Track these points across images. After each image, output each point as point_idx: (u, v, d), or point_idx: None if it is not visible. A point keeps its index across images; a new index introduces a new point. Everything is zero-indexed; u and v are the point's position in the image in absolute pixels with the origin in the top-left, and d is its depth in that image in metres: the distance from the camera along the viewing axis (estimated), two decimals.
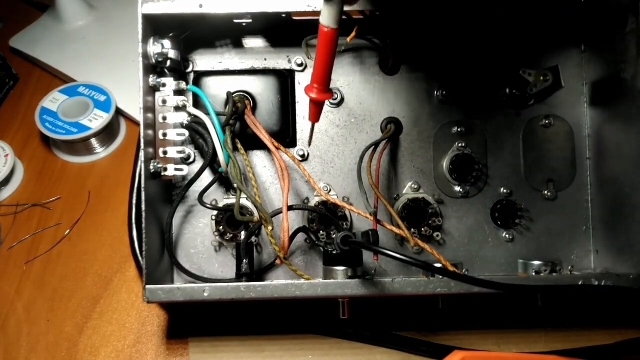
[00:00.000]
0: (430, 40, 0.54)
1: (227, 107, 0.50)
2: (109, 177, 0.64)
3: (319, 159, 0.54)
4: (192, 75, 0.54)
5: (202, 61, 0.54)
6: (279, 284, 0.45)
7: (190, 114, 0.50)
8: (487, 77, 0.55)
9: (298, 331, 0.54)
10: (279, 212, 0.49)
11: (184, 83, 0.50)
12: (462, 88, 0.54)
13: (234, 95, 0.51)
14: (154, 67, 0.50)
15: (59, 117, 0.65)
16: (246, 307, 0.54)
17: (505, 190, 0.54)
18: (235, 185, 0.48)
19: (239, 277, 0.49)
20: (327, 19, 0.35)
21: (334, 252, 0.46)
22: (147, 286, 0.45)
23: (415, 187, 0.54)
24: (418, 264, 0.39)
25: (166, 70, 0.50)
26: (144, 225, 0.47)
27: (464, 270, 0.51)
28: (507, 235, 0.54)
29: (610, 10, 0.49)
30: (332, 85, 0.54)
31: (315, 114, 0.41)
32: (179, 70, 0.52)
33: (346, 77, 0.54)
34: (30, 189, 0.64)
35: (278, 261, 0.50)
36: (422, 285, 0.45)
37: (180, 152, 0.50)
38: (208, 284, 0.45)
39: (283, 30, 0.53)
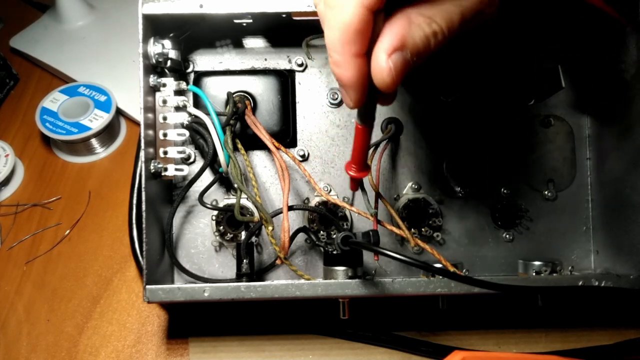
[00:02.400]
0: None
1: (228, 107, 0.50)
2: (109, 177, 0.65)
3: (319, 159, 0.54)
4: (192, 75, 0.54)
5: (203, 61, 0.54)
6: (279, 284, 0.45)
7: (190, 114, 0.50)
8: (487, 77, 0.55)
9: (298, 331, 0.54)
10: (279, 212, 0.49)
11: (184, 83, 0.50)
12: (462, 88, 0.54)
13: (234, 95, 0.51)
14: (154, 67, 0.50)
15: (59, 117, 0.65)
16: (246, 307, 0.54)
17: (505, 190, 0.54)
18: (236, 185, 0.48)
19: (239, 277, 0.49)
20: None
21: (334, 252, 0.46)
22: (147, 286, 0.45)
23: (416, 187, 0.54)
24: (418, 264, 0.38)
25: (166, 70, 0.50)
26: (144, 225, 0.47)
27: (464, 271, 0.51)
28: (507, 235, 0.54)
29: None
30: (331, 86, 0.54)
31: (354, 186, 0.45)
32: (179, 70, 0.52)
33: None
34: (30, 189, 0.64)
35: (278, 261, 0.50)
36: (422, 285, 0.45)
37: (180, 152, 0.50)
38: (208, 284, 0.45)
39: (283, 30, 0.53)
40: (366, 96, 0.33)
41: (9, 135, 0.69)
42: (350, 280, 0.45)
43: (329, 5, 0.30)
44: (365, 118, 0.36)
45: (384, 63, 0.30)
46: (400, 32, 0.31)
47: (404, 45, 0.31)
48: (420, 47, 0.31)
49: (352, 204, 0.53)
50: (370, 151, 0.51)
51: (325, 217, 0.52)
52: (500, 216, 0.54)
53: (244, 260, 0.49)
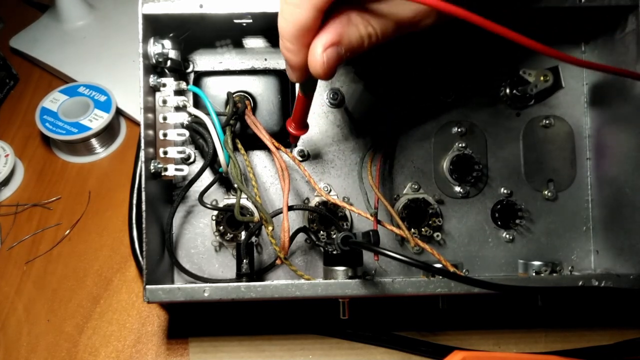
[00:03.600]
0: (430, 40, 0.54)
1: (227, 107, 0.50)
2: (109, 177, 0.65)
3: (319, 159, 0.54)
4: (192, 75, 0.54)
5: (202, 61, 0.54)
6: (279, 284, 0.45)
7: (190, 114, 0.50)
8: (487, 77, 0.55)
9: (298, 331, 0.54)
10: (279, 212, 0.49)
11: (184, 83, 0.50)
12: (462, 88, 0.54)
13: (234, 95, 0.51)
14: (154, 67, 0.50)
15: (59, 117, 0.65)
16: (246, 307, 0.54)
17: (505, 191, 0.54)
18: (236, 185, 0.48)
19: (239, 277, 0.49)
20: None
21: (334, 252, 0.46)
22: (147, 286, 0.45)
23: (415, 187, 0.54)
24: (418, 264, 0.38)
25: (166, 70, 0.50)
26: (144, 225, 0.47)
27: (464, 271, 0.51)
28: (507, 236, 0.54)
29: (610, 10, 0.49)
30: (332, 86, 0.54)
31: (293, 140, 0.51)
32: (179, 70, 0.52)
33: (346, 76, 0.54)
34: (30, 189, 0.64)
35: (278, 261, 0.50)
36: (422, 285, 0.45)
37: (180, 152, 0.50)
38: (208, 284, 0.45)
39: None
40: (308, 75, 0.37)
41: (9, 135, 0.69)
42: (350, 280, 0.45)
43: (285, 0, 0.34)
44: (306, 90, 0.42)
45: (318, 56, 0.34)
46: (339, 30, 0.34)
47: (340, 42, 0.34)
48: (355, 45, 0.35)
49: (351, 204, 0.53)
50: (370, 151, 0.51)
51: (325, 217, 0.52)
52: (500, 216, 0.54)
53: (244, 260, 0.49)
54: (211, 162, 0.49)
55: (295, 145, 0.54)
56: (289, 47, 0.35)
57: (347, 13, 0.35)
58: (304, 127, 0.47)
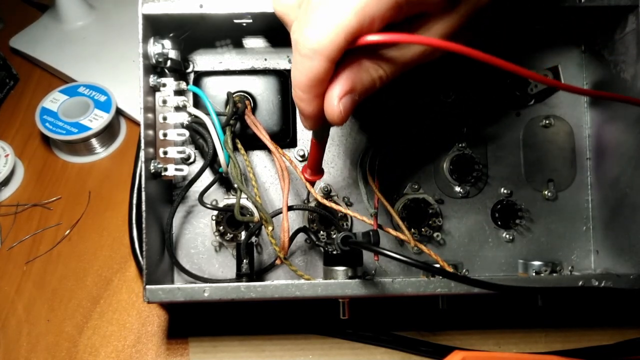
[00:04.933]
0: None
1: (227, 107, 0.50)
2: (109, 177, 0.65)
3: None
4: (192, 75, 0.54)
5: (202, 61, 0.54)
6: (279, 284, 0.45)
7: (190, 114, 0.50)
8: (487, 77, 0.55)
9: (298, 331, 0.54)
10: (279, 212, 0.49)
11: (184, 83, 0.50)
12: (463, 88, 0.54)
13: (234, 95, 0.51)
14: (154, 67, 0.50)
15: (59, 117, 0.65)
16: (246, 307, 0.54)
17: (505, 190, 0.54)
18: (236, 185, 0.48)
19: (239, 277, 0.49)
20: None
21: (334, 252, 0.46)
22: (147, 286, 0.45)
23: (416, 187, 0.54)
24: (418, 264, 0.38)
25: (166, 70, 0.50)
26: (144, 225, 0.47)
27: (464, 271, 0.51)
28: (507, 235, 0.54)
29: (610, 10, 0.49)
30: None
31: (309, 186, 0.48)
32: (179, 70, 0.52)
33: None
34: (30, 189, 0.64)
35: (278, 261, 0.50)
36: (422, 285, 0.45)
37: (180, 152, 0.50)
38: (208, 284, 0.45)
39: (283, 30, 0.52)
40: (321, 123, 0.37)
41: (9, 135, 0.69)
42: (350, 280, 0.45)
43: (299, 52, 0.33)
44: (319, 137, 0.42)
45: (335, 107, 0.35)
46: (352, 77, 0.35)
47: (354, 89, 0.35)
48: (368, 89, 0.36)
49: (351, 204, 0.53)
50: (370, 151, 0.51)
51: (325, 217, 0.52)
52: (500, 216, 0.54)
53: (244, 260, 0.49)
54: (211, 162, 0.49)
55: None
56: (301, 97, 0.35)
57: (357, 59, 0.35)
58: (319, 172, 0.46)
